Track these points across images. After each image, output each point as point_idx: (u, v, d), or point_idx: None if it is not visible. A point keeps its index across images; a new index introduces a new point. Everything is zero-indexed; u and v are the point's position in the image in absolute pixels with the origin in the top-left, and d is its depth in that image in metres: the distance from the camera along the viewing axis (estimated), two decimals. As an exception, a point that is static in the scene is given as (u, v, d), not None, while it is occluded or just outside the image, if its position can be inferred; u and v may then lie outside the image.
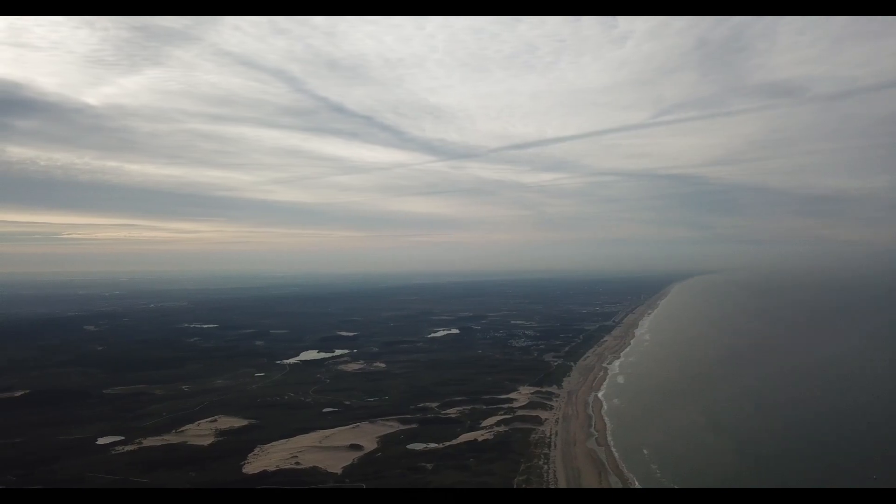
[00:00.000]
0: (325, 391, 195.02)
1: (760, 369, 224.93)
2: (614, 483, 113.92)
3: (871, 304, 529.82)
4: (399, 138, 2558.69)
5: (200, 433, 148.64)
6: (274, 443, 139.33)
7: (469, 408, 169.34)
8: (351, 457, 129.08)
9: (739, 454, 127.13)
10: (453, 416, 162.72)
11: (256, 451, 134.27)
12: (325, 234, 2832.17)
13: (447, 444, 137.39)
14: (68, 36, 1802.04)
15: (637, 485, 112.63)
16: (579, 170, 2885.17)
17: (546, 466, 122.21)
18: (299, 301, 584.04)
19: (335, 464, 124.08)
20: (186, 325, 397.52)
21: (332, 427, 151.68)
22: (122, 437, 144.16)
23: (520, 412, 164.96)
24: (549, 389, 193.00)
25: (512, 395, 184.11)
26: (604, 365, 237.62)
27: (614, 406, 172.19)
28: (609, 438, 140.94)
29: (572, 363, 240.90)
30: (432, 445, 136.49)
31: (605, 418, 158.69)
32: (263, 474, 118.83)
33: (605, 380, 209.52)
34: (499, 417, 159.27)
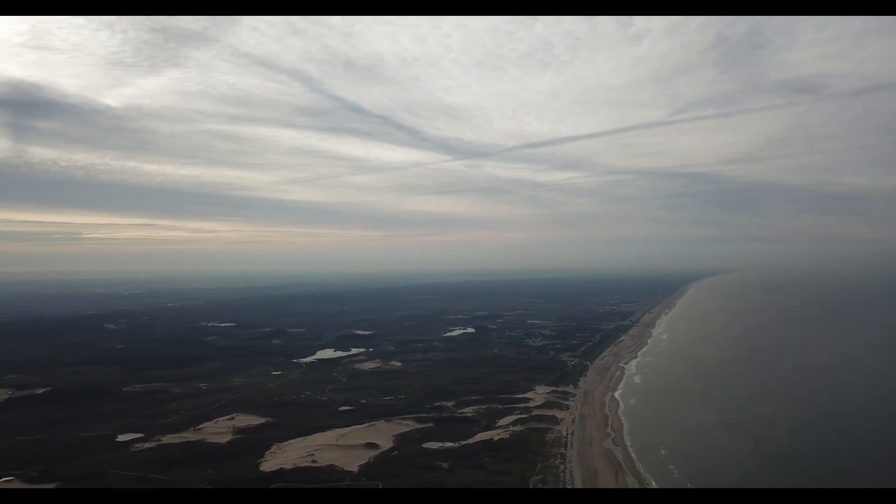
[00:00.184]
0: (342, 390, 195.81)
1: (780, 369, 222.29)
2: (631, 483, 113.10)
3: (892, 302, 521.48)
4: (415, 137, 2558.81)
5: (218, 431, 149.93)
6: (291, 441, 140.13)
7: (485, 407, 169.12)
8: (367, 455, 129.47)
9: (758, 454, 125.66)
10: (469, 415, 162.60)
11: (273, 448, 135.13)
12: (341, 233, 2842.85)
13: (463, 443, 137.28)
14: (89, 38, 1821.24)
15: (654, 485, 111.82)
16: (595, 168, 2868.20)
17: (562, 466, 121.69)
18: (316, 300, 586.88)
19: (351, 462, 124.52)
20: (204, 323, 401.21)
21: (349, 425, 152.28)
22: (142, 435, 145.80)
23: (536, 412, 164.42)
24: (565, 389, 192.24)
25: (528, 395, 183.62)
26: (620, 364, 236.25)
27: (631, 406, 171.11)
28: (626, 438, 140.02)
29: (589, 363, 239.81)
30: (448, 444, 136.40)
31: (622, 418, 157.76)
32: (280, 472, 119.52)
33: (621, 379, 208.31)
34: (515, 417, 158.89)
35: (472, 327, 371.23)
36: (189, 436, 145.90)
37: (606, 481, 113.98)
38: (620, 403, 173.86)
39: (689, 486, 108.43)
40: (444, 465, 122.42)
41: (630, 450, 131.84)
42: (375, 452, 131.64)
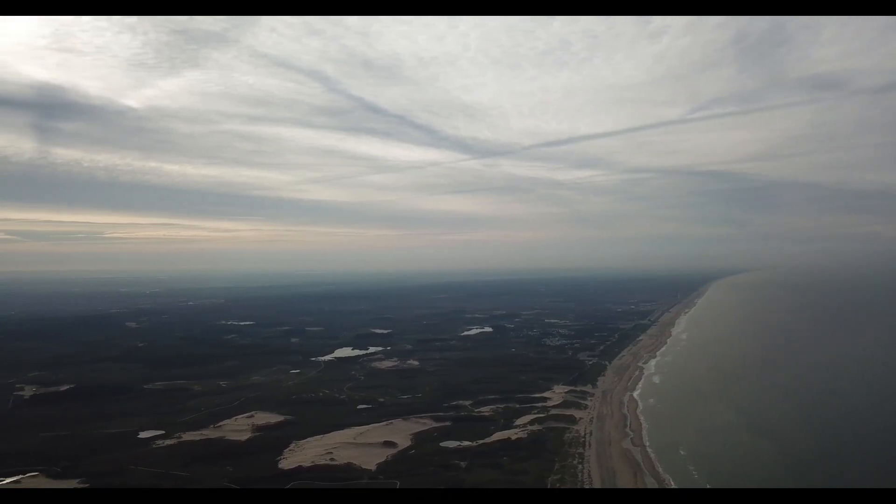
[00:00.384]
0: (360, 388, 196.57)
1: (801, 370, 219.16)
2: (650, 484, 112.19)
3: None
4: (433, 137, 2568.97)
5: (237, 428, 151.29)
6: (309, 439, 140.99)
7: (502, 406, 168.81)
8: (385, 454, 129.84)
9: (778, 455, 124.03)
10: (487, 414, 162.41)
11: (292, 446, 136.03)
12: (359, 232, 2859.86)
13: (480, 442, 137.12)
14: (111, 40, 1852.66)
15: (673, 485, 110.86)
16: (613, 167, 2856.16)
17: (580, 466, 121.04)
18: (334, 299, 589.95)
19: (369, 460, 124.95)
20: (224, 322, 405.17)
21: (366, 424, 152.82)
22: (163, 432, 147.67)
23: (554, 411, 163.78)
24: (583, 388, 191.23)
25: (546, 394, 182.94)
26: (639, 364, 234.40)
27: (650, 406, 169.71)
28: (645, 438, 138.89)
29: (607, 362, 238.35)
30: (466, 443, 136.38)
31: (641, 418, 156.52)
32: (299, 469, 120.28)
33: (640, 379, 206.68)
34: (532, 416, 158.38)
35: (490, 326, 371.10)
36: (209, 433, 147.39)
37: (625, 481, 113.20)
38: (639, 403, 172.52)
39: (708, 487, 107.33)
40: (462, 464, 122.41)
41: (649, 450, 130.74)
42: (393, 451, 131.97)
